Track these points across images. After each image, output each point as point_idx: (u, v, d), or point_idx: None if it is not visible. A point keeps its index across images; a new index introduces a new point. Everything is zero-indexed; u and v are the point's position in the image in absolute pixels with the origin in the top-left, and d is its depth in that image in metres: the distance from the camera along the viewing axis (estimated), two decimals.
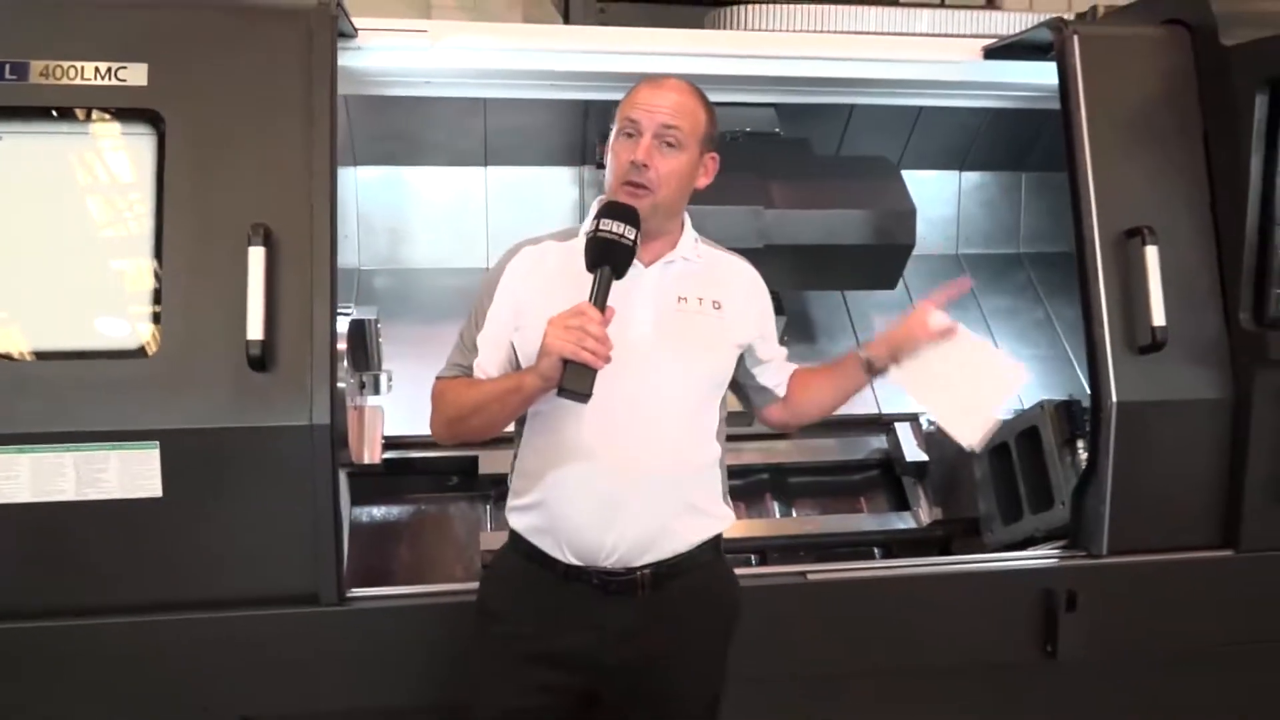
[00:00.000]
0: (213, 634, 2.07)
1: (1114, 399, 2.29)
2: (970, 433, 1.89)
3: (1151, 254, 2.30)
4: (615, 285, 1.61)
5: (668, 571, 1.72)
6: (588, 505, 1.69)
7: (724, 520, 1.83)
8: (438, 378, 1.83)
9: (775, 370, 1.95)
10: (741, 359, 1.88)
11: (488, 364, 1.77)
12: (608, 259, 1.60)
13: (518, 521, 1.78)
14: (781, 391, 1.96)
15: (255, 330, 1.98)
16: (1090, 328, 2.34)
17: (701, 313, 1.77)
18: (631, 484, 1.68)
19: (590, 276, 1.60)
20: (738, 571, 2.02)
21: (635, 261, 1.66)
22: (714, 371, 1.81)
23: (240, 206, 2.07)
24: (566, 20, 4.94)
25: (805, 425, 2.07)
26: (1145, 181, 2.40)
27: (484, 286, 1.81)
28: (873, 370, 1.89)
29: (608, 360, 1.53)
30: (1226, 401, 2.36)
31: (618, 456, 1.69)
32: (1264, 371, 2.33)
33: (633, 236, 1.61)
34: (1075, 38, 2.39)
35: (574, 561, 1.70)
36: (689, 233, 1.84)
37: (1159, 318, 2.28)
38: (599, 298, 1.58)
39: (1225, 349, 2.37)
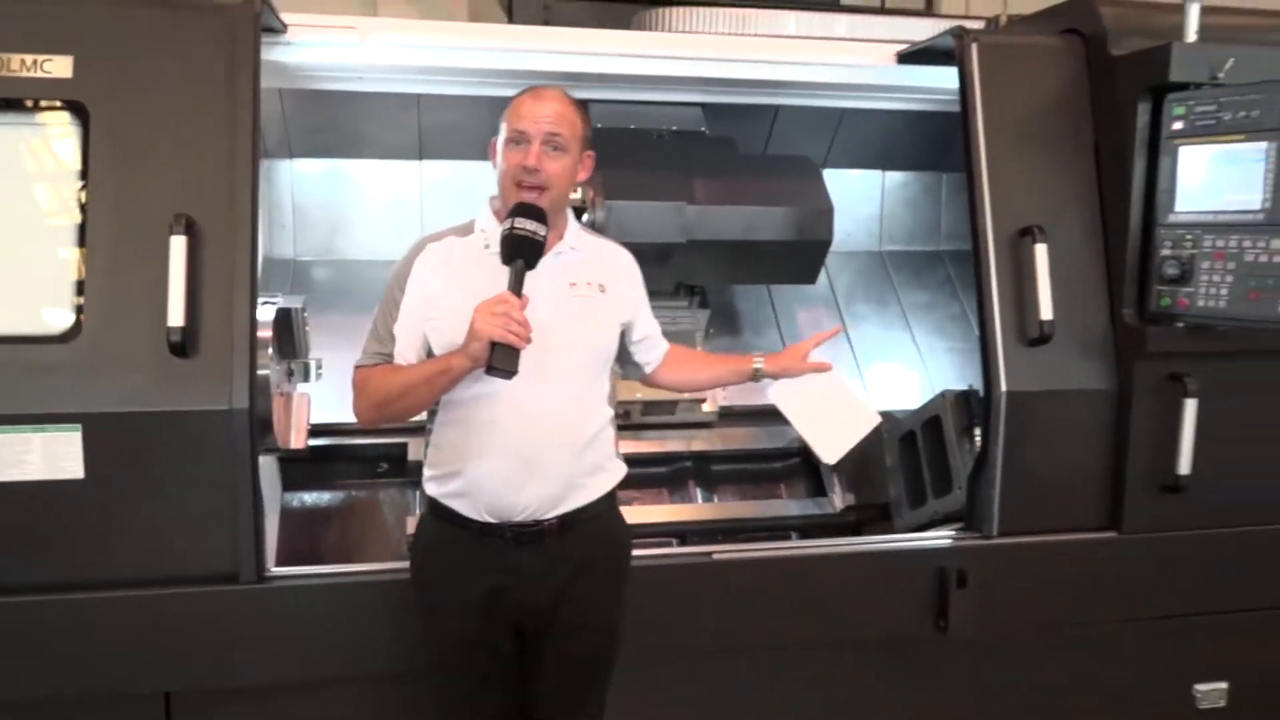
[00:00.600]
0: (135, 612, 2.14)
1: (1004, 388, 2.43)
2: (827, 452, 2.29)
3: (1041, 252, 2.44)
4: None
5: (571, 521, 1.94)
6: (502, 471, 1.89)
7: (618, 473, 2.06)
8: (357, 366, 2.01)
9: (646, 349, 2.19)
10: (621, 335, 2.08)
11: (407, 351, 1.95)
12: (522, 253, 1.82)
13: (435, 489, 1.97)
14: (649, 369, 2.21)
15: (176, 317, 2.05)
16: (983, 321, 2.47)
17: (590, 295, 1.99)
18: (539, 449, 1.89)
19: (506, 269, 1.81)
20: (657, 552, 2.33)
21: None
22: (603, 345, 2.02)
23: (163, 196, 2.13)
24: (511, 17, 5.02)
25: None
26: (1038, 183, 2.53)
27: (394, 280, 1.99)
28: (756, 377, 2.25)
29: (529, 341, 1.76)
30: (1110, 392, 2.50)
31: (526, 426, 1.89)
32: (1144, 364, 2.47)
33: (543, 233, 1.83)
34: (974, 45, 2.52)
35: (488, 519, 1.91)
36: (572, 224, 2.06)
37: (1047, 312, 2.42)
38: (517, 287, 1.79)
39: (1110, 343, 2.51)
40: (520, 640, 1.99)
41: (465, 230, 2.01)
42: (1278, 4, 2.84)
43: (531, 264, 1.82)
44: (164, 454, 2.10)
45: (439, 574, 1.97)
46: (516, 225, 1.81)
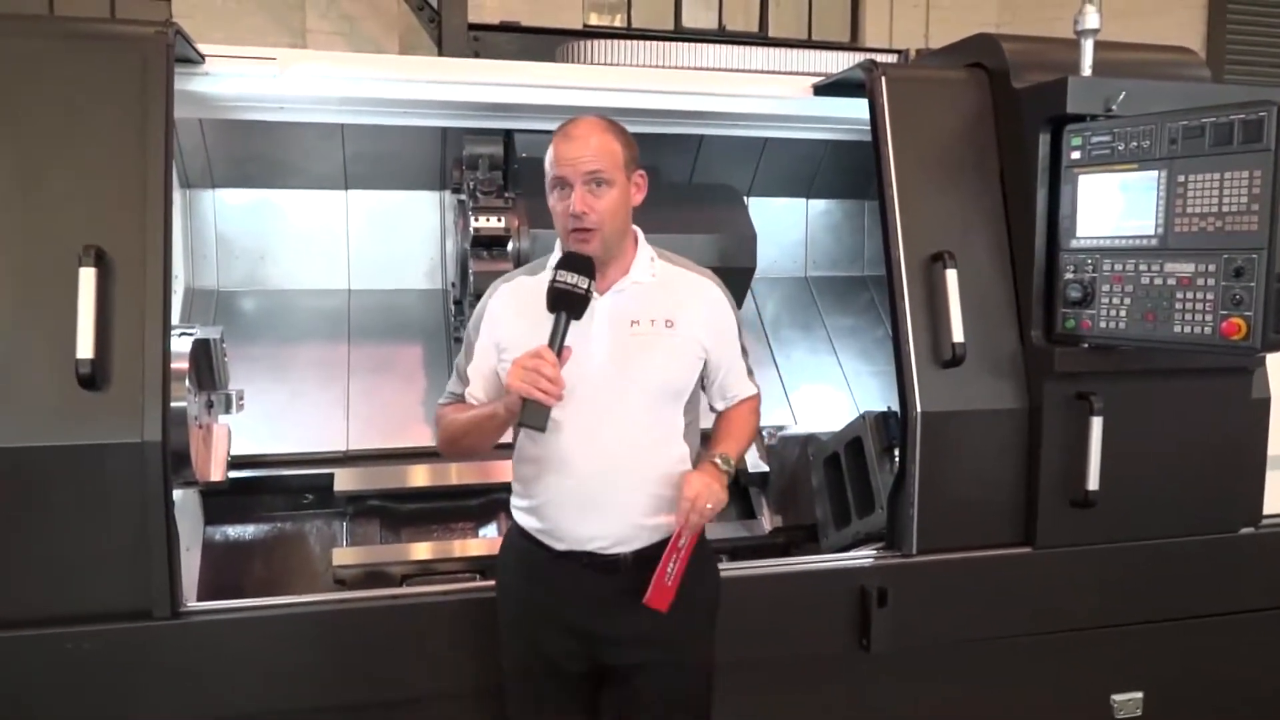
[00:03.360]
0: (46, 651, 2.08)
1: (919, 409, 2.49)
2: None
3: (951, 277, 2.52)
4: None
5: (648, 555, 1.91)
6: (571, 509, 1.91)
7: None
8: (439, 404, 2.07)
9: (716, 394, 2.07)
10: (704, 369, 2.01)
11: (478, 391, 1.99)
12: (564, 305, 1.80)
13: (519, 517, 2.01)
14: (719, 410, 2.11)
15: (85, 349, 2.02)
16: (898, 344, 2.54)
17: (654, 333, 1.93)
18: (604, 490, 1.89)
19: (551, 318, 1.79)
20: None
21: (593, 293, 1.83)
22: (669, 383, 1.95)
23: (73, 227, 2.11)
24: (440, 49, 5.08)
25: None
26: (947, 210, 2.61)
27: (472, 323, 2.04)
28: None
29: (559, 398, 1.74)
30: (1021, 411, 2.58)
31: (592, 467, 1.90)
32: (1053, 383, 2.55)
33: (585, 286, 1.80)
34: (884, 79, 2.60)
35: (563, 548, 1.93)
36: (643, 252, 2.00)
37: (958, 335, 2.50)
38: (556, 340, 1.78)
39: (1020, 363, 2.59)
40: (599, 679, 1.98)
41: (536, 269, 1.98)
42: (1168, 39, 3.00)
43: (576, 315, 1.80)
44: (74, 488, 2.06)
45: (520, 589, 2.00)
46: (557, 278, 1.80)
